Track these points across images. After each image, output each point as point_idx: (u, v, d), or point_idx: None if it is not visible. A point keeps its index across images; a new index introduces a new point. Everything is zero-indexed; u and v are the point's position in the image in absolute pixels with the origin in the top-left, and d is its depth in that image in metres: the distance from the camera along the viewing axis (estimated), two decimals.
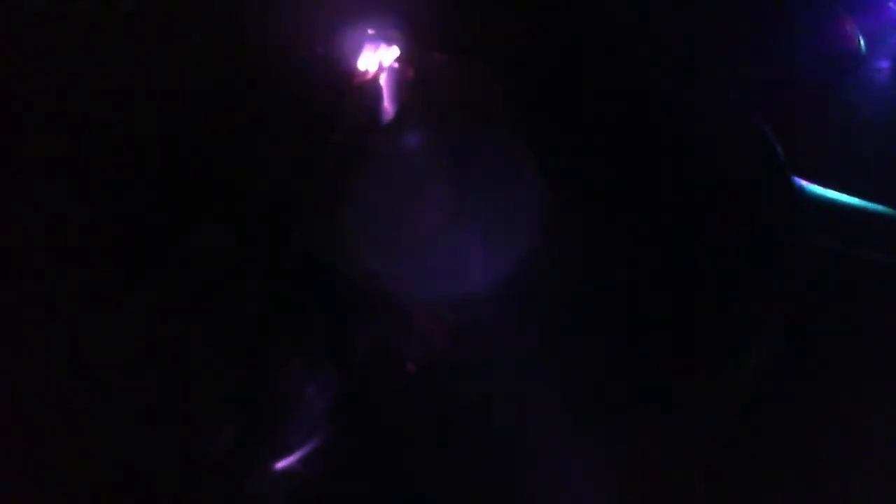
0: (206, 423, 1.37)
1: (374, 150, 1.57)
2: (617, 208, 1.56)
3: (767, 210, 1.56)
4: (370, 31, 1.65)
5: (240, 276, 1.48)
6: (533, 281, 1.52)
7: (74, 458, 1.35)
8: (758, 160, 1.60)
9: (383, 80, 1.64)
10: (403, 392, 1.44)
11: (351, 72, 1.64)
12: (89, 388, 1.37)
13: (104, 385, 1.37)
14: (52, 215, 1.49)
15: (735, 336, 1.47)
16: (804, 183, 1.59)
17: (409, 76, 1.64)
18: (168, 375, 1.39)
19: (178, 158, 1.54)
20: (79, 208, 1.50)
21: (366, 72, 1.64)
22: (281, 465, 1.37)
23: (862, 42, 1.85)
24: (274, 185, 1.54)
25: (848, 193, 1.60)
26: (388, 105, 1.62)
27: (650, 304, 1.50)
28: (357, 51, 1.65)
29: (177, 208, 1.52)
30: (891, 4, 1.98)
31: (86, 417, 1.36)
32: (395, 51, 1.65)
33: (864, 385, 1.49)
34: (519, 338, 1.48)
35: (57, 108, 1.57)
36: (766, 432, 1.46)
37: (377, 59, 1.65)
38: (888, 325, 1.54)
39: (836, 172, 1.64)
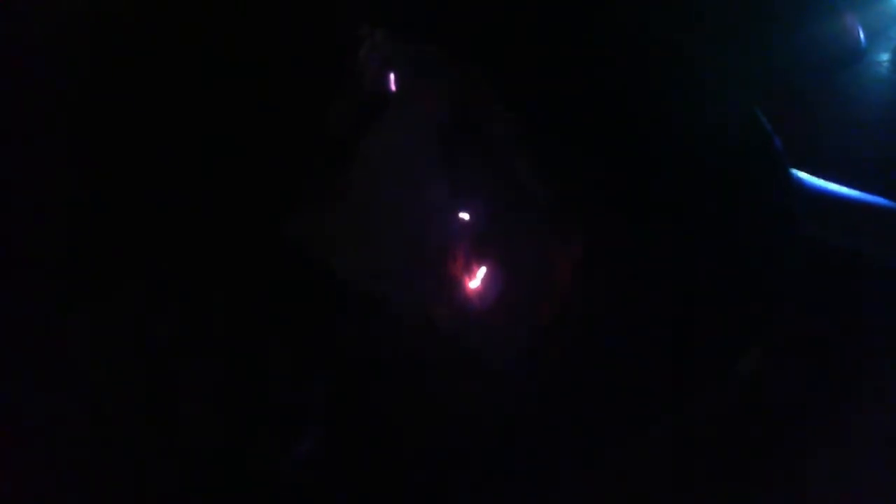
0: (197, 425, 1.36)
1: (367, 145, 1.57)
2: (614, 206, 1.56)
3: (766, 204, 1.55)
4: (366, 28, 1.65)
5: (230, 274, 1.47)
6: (529, 282, 1.52)
7: (65, 459, 1.35)
8: (756, 154, 1.60)
9: (376, 76, 1.63)
10: (399, 393, 1.43)
11: (344, 68, 1.64)
12: (77, 389, 1.36)
13: (92, 385, 1.36)
14: (39, 212, 1.49)
15: (734, 333, 1.46)
16: (803, 176, 1.59)
17: (403, 73, 1.64)
18: (157, 376, 1.38)
19: (167, 154, 1.54)
20: (67, 204, 1.50)
21: (359, 68, 1.64)
22: (273, 469, 1.36)
23: (862, 35, 1.85)
24: (265, 181, 1.54)
25: (847, 186, 1.59)
26: (380, 100, 1.61)
27: (648, 302, 1.49)
28: (352, 47, 1.65)
29: (166, 204, 1.51)
30: None
31: (75, 419, 1.36)
32: (390, 47, 1.65)
33: (864, 385, 1.49)
34: (516, 339, 1.47)
35: (47, 106, 1.57)
36: (765, 431, 1.46)
37: (372, 55, 1.65)
38: (888, 323, 1.53)
39: (835, 165, 1.64)
